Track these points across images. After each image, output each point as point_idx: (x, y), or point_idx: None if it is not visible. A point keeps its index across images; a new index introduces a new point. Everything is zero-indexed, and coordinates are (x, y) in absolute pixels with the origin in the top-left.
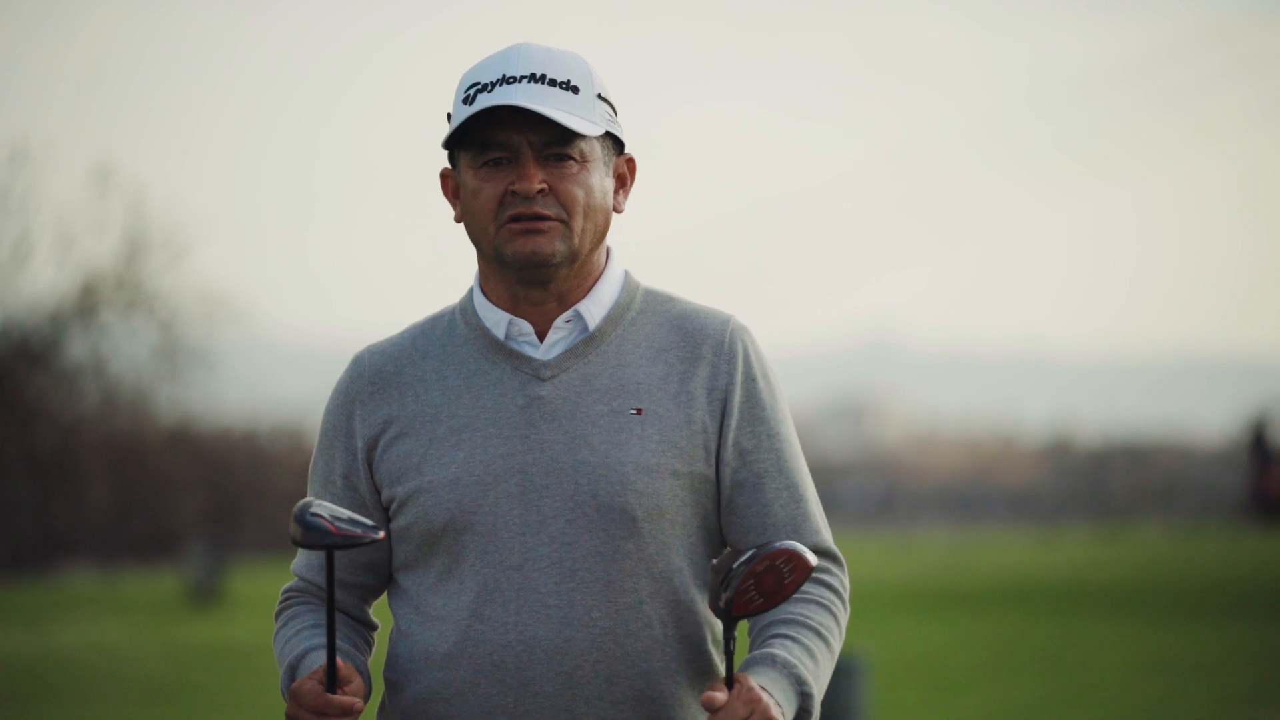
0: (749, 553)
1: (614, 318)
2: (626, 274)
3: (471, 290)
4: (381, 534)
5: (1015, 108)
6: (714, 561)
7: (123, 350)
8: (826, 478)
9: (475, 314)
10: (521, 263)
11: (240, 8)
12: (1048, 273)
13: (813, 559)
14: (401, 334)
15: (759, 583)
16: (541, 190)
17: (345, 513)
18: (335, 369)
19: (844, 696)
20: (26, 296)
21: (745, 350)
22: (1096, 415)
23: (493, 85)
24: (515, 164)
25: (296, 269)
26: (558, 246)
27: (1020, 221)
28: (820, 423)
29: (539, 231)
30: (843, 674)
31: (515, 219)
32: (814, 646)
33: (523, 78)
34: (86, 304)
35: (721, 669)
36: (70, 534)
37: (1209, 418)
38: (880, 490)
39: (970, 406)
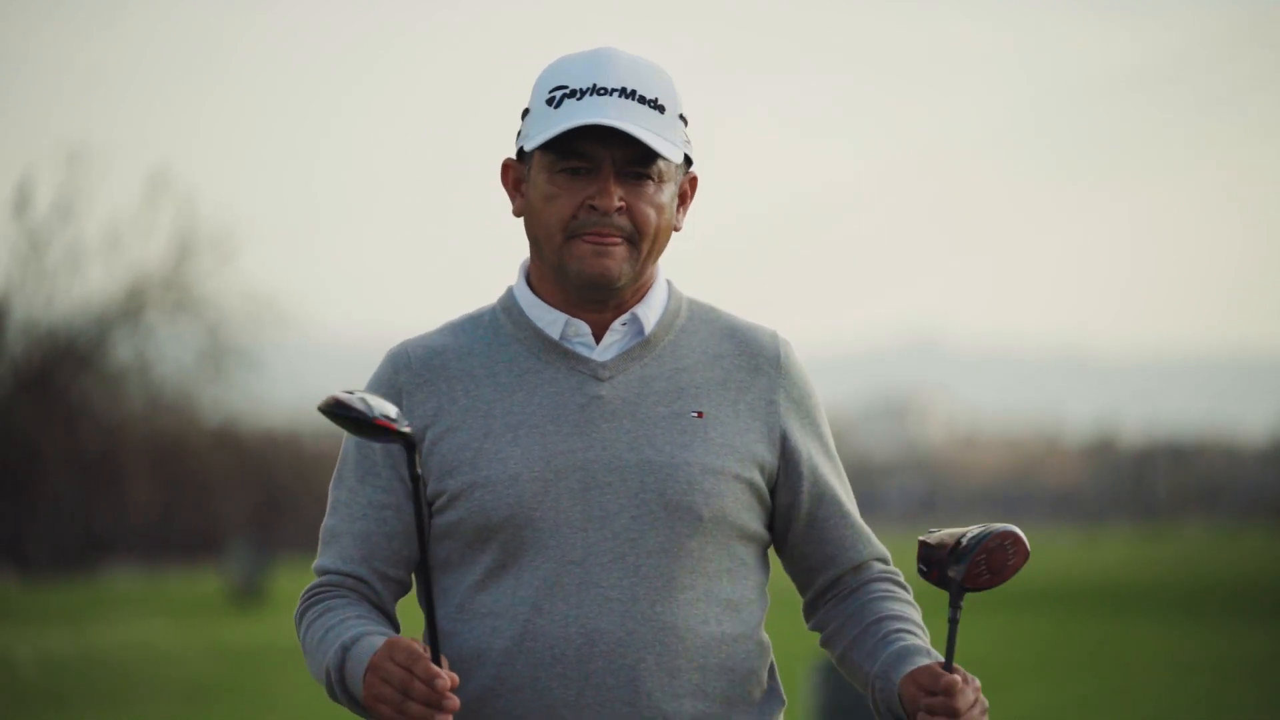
0: (978, 530)
1: (666, 323)
2: (670, 282)
3: (513, 290)
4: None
5: (1059, 105)
6: (927, 539)
7: (168, 352)
8: (869, 477)
9: (523, 313)
10: (586, 283)
11: (286, 11)
12: (1091, 272)
13: (1029, 544)
14: (439, 330)
15: (990, 559)
16: (619, 208)
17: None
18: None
19: (851, 698)
20: (74, 298)
21: (799, 367)
22: (1139, 415)
23: (583, 93)
24: (594, 176)
25: (343, 270)
26: (624, 269)
27: (1064, 221)
28: (863, 423)
29: (608, 254)
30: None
31: (586, 235)
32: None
33: (614, 90)
34: (133, 306)
35: (764, 675)
36: (114, 534)
37: (1253, 418)
38: (923, 490)
39: (1013, 407)
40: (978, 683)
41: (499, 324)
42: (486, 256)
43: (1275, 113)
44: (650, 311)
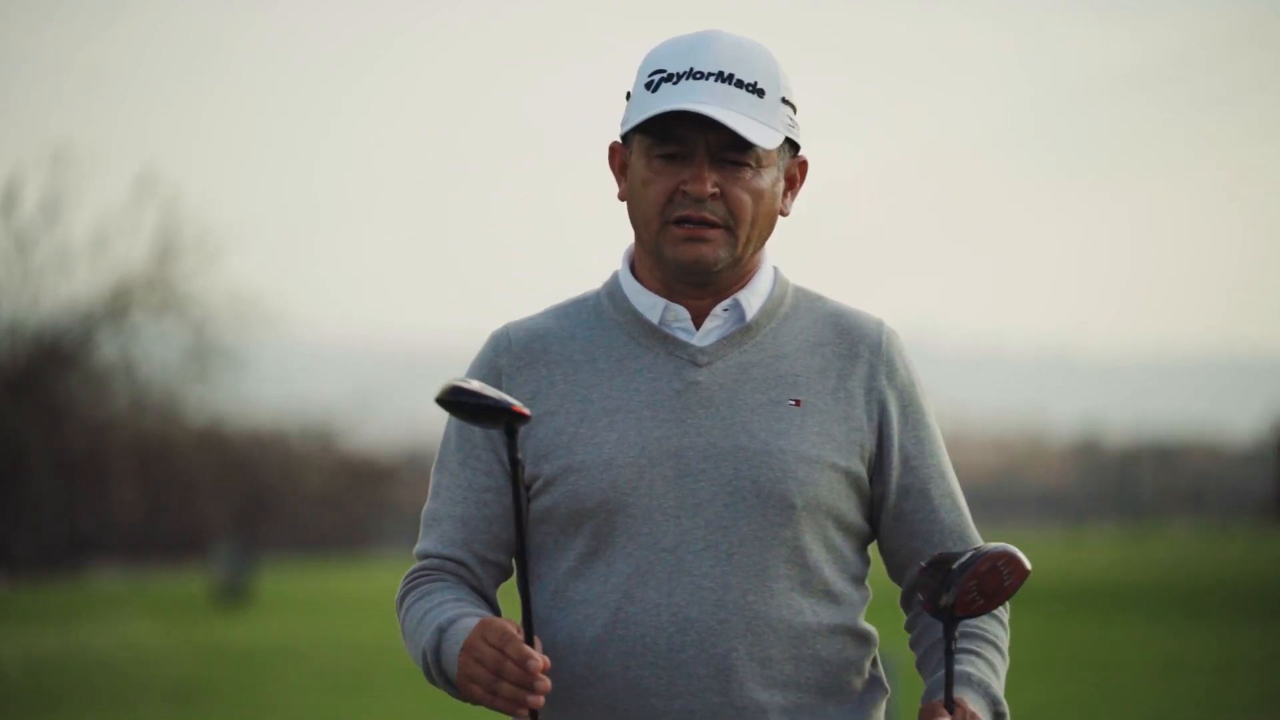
0: (967, 554)
1: (769, 310)
2: (776, 269)
3: (617, 274)
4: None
5: (1055, 105)
6: (923, 563)
7: (153, 352)
8: None
9: (625, 298)
10: (682, 269)
11: (274, 12)
12: (1079, 272)
13: (1028, 562)
14: (544, 313)
15: (981, 584)
16: (714, 194)
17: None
18: (366, 369)
19: None
20: (60, 298)
21: (902, 354)
22: (1125, 415)
23: (679, 77)
24: (690, 162)
25: (328, 270)
26: (720, 254)
27: (1054, 221)
28: None
29: (703, 240)
30: None
31: (681, 221)
32: (995, 660)
33: (710, 75)
34: (118, 306)
35: (866, 666)
36: (99, 534)
37: (1238, 417)
38: None
39: (998, 406)
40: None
41: (602, 308)
42: (479, 258)
43: (1268, 114)
44: (754, 298)
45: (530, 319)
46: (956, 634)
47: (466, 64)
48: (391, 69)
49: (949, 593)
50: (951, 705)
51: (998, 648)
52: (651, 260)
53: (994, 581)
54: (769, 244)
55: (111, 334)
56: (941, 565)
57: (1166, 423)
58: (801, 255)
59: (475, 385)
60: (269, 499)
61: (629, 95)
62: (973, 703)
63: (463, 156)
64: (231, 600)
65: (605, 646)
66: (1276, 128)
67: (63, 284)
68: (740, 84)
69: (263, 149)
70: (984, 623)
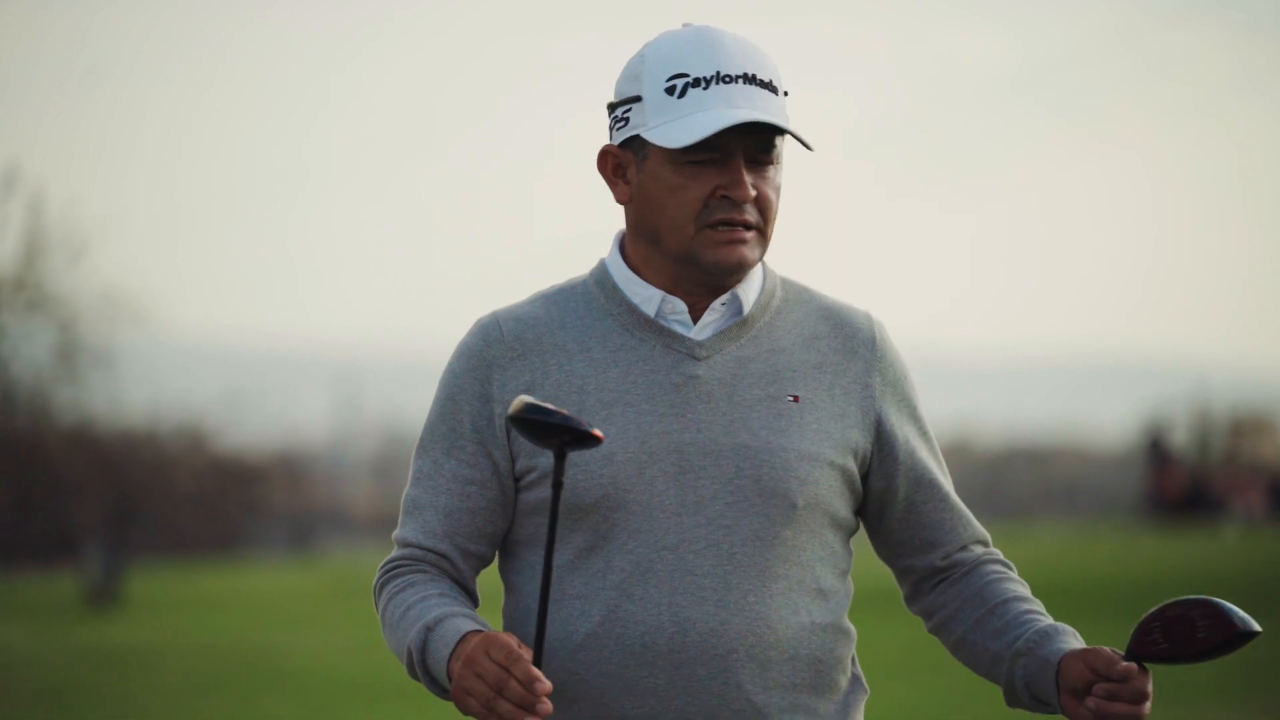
0: (1188, 597)
1: (764, 303)
2: (764, 262)
3: (605, 263)
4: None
5: (914, 106)
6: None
7: (21, 351)
8: None
9: (617, 288)
10: (723, 271)
11: (139, 6)
12: (947, 275)
13: (1241, 622)
14: (530, 301)
15: (1167, 629)
16: (753, 196)
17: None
18: (239, 369)
19: None
20: None
21: (894, 348)
22: (996, 417)
23: (708, 82)
24: (724, 166)
25: (199, 269)
26: (755, 254)
27: (917, 223)
28: None
29: (743, 241)
30: None
31: (720, 225)
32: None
33: (738, 77)
34: None
35: (849, 663)
36: None
37: (1107, 420)
38: None
39: None
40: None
41: (592, 297)
42: (351, 257)
43: (1141, 117)
44: (749, 291)
45: (518, 306)
46: (1023, 595)
47: (338, 57)
48: (261, 64)
49: (1137, 631)
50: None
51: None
52: (670, 262)
53: (1184, 629)
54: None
55: None
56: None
57: (1037, 425)
58: None
59: (552, 405)
60: (140, 500)
61: (627, 102)
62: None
63: (335, 153)
64: (102, 602)
65: (602, 644)
66: (1148, 131)
67: None
68: (764, 84)
69: (130, 145)
70: (1029, 593)
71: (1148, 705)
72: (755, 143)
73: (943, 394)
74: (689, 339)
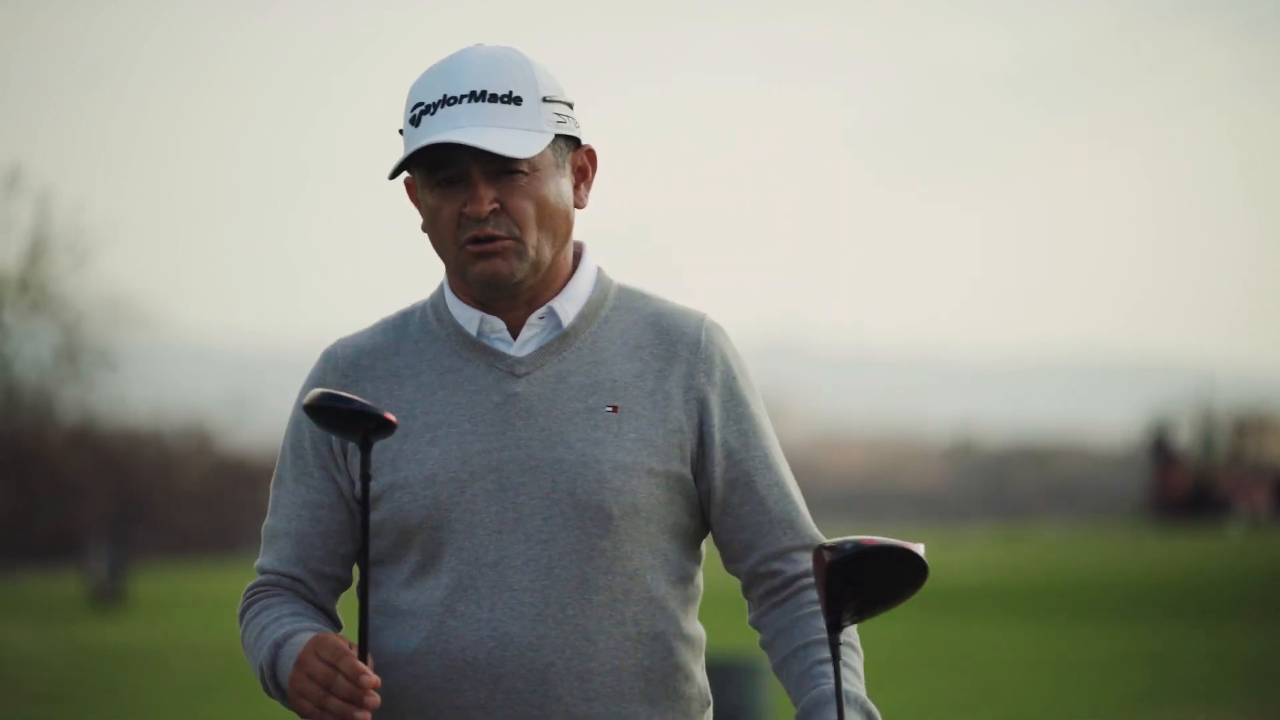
0: (849, 544)
1: (587, 315)
2: (599, 271)
3: (442, 285)
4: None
5: (920, 104)
6: (820, 553)
7: (25, 352)
8: None
9: (447, 309)
10: (483, 285)
11: (145, 10)
12: (951, 275)
13: (921, 551)
14: (372, 328)
15: (868, 581)
16: (494, 209)
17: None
18: (241, 371)
19: (745, 697)
20: None
21: (721, 349)
22: (999, 417)
23: (434, 107)
24: (467, 183)
25: (202, 271)
26: (515, 265)
27: (917, 223)
28: None
29: (494, 254)
30: (745, 675)
31: (472, 241)
32: (857, 665)
33: (462, 97)
34: None
35: (695, 670)
36: None
37: (1110, 420)
38: None
39: (873, 408)
40: None
41: (427, 321)
42: (356, 259)
43: (1139, 116)
44: (569, 303)
45: (358, 334)
46: (811, 641)
47: (338, 57)
48: (261, 65)
49: (844, 597)
50: None
51: (855, 649)
52: (461, 280)
53: (884, 576)
54: (588, 246)
55: None
56: (836, 559)
57: (1039, 425)
58: (668, 257)
59: (346, 394)
60: (144, 500)
61: (401, 132)
62: None
63: (335, 153)
64: (106, 602)
65: (428, 659)
66: (1149, 130)
67: None
68: (494, 98)
69: (131, 147)
70: (820, 622)
71: None
72: (490, 156)
73: (944, 395)
74: (510, 356)
